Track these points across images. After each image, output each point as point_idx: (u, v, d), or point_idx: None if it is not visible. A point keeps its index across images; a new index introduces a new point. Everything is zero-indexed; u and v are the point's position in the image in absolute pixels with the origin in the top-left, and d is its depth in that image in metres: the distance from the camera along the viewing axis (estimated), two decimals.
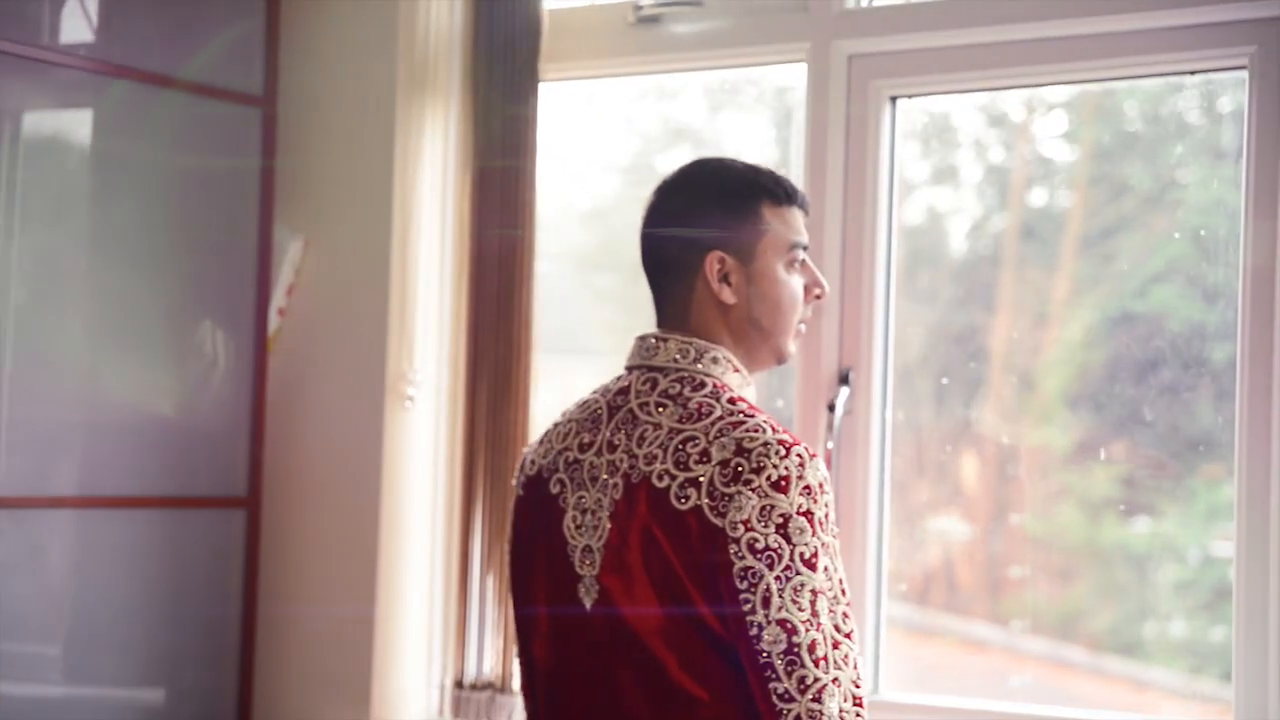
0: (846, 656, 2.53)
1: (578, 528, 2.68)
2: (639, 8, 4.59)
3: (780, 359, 2.80)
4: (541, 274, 4.64)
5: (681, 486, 2.56)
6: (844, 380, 4.28)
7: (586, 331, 5.13)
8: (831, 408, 4.26)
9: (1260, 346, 3.85)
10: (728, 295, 2.72)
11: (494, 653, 4.55)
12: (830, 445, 4.24)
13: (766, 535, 2.49)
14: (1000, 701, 4.27)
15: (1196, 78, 4.07)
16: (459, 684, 4.61)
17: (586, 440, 2.73)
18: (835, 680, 2.49)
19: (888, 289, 4.33)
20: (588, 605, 2.66)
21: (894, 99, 4.35)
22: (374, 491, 4.66)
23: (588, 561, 2.66)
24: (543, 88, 4.66)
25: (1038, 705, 4.22)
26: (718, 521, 2.51)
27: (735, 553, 2.49)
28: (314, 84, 4.87)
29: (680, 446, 2.59)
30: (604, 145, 5.12)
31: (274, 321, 4.85)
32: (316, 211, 4.86)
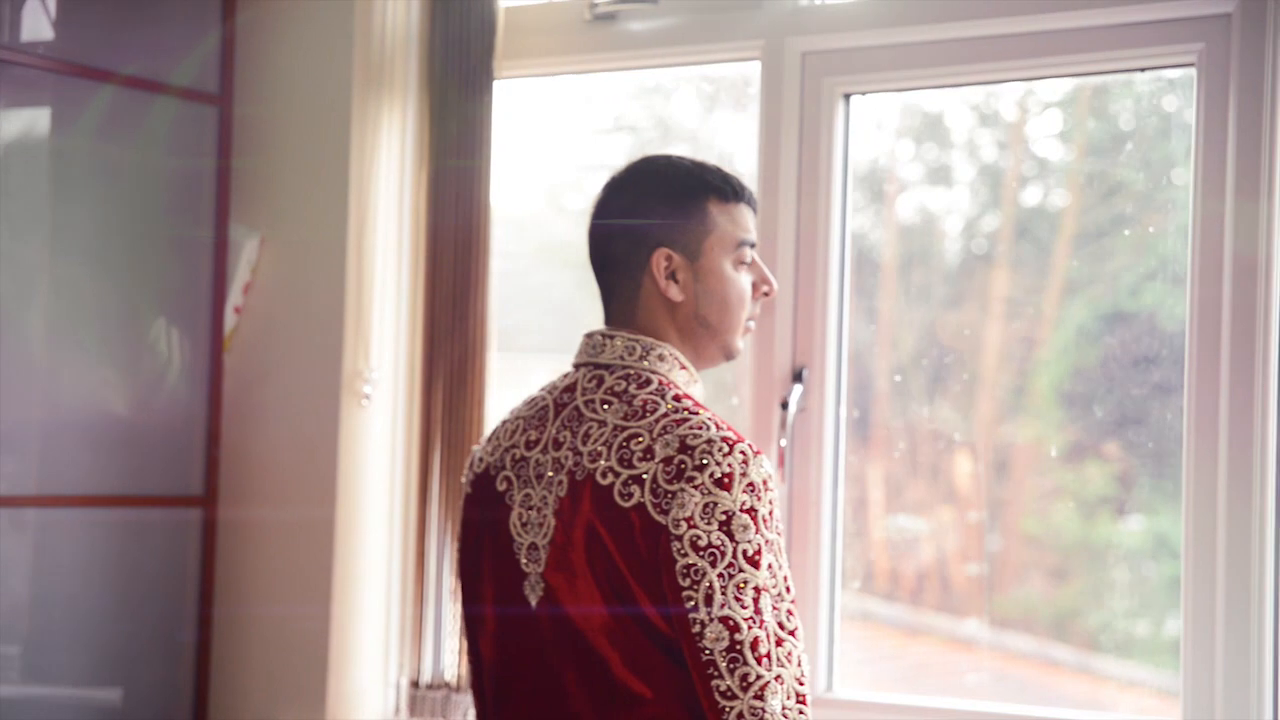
0: (790, 654, 2.52)
1: (524, 525, 2.68)
2: (594, 5, 4.58)
3: (728, 356, 2.81)
4: (526, 271, 4.63)
5: (625, 484, 2.56)
6: (797, 378, 4.28)
7: (581, 330, 5.12)
8: (785, 405, 4.26)
9: (1207, 342, 3.88)
10: (675, 292, 2.72)
11: (450, 651, 4.55)
12: (784, 442, 4.25)
13: (709, 532, 2.49)
14: (954, 698, 4.28)
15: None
16: (415, 683, 4.60)
17: (533, 437, 2.73)
18: (778, 678, 2.49)
19: (841, 286, 4.34)
20: (533, 603, 2.66)
21: (847, 96, 4.36)
22: (330, 490, 4.65)
23: (533, 559, 2.66)
24: (499, 85, 4.67)
25: (990, 702, 4.23)
26: (660, 519, 2.51)
27: (678, 550, 2.49)
28: (270, 82, 4.87)
29: (624, 444, 2.59)
30: (600, 144, 5.11)
31: (231, 320, 4.84)
32: (273, 210, 4.85)
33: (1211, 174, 3.87)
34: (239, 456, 4.83)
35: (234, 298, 4.83)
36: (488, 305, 4.55)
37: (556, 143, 5.06)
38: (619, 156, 4.95)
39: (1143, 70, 4.09)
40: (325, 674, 4.63)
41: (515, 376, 4.76)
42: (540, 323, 5.02)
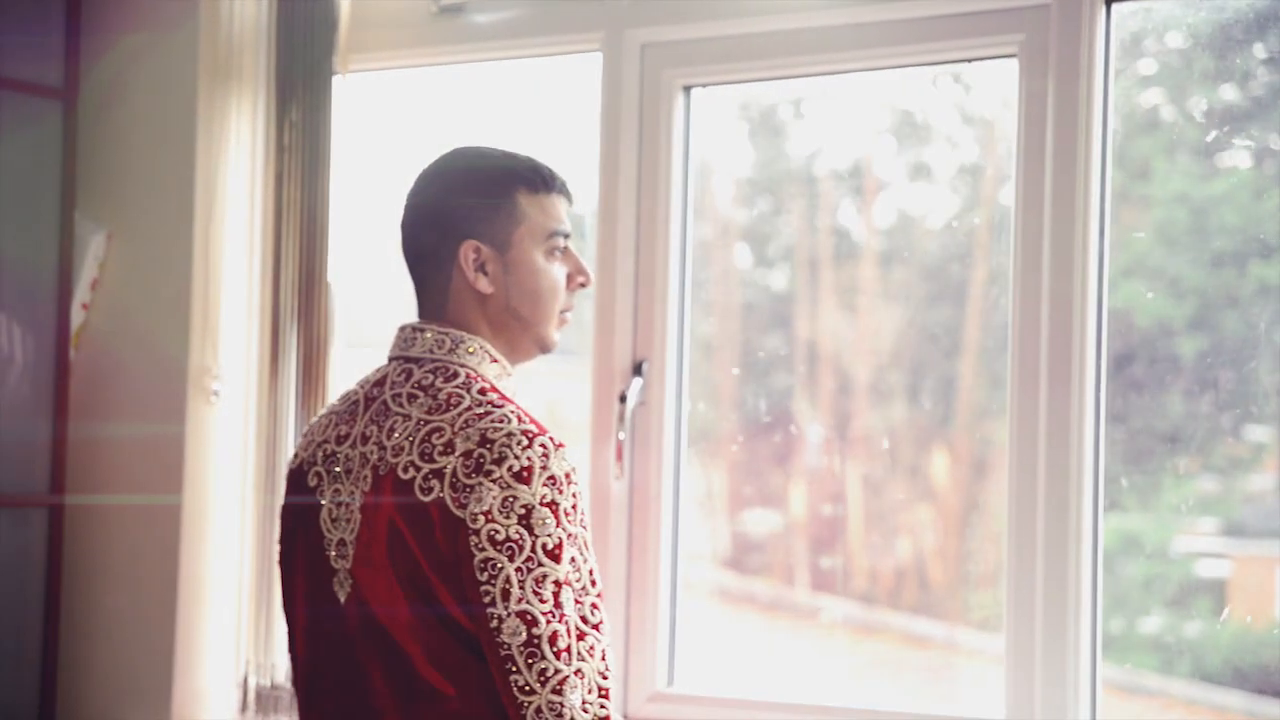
0: (593, 648, 2.51)
1: (333, 521, 2.67)
2: None
3: (544, 348, 2.79)
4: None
5: (426, 478, 2.54)
6: (637, 371, 4.27)
7: None
8: (623, 399, 4.24)
9: (1029, 331, 3.90)
10: (484, 285, 2.71)
11: None
12: (622, 436, 4.23)
13: (508, 526, 2.47)
14: (800, 694, 4.28)
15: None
16: (262, 682, 4.56)
17: (343, 432, 2.72)
18: (578, 672, 2.48)
19: (682, 279, 4.32)
20: (341, 599, 2.65)
21: (687, 89, 4.35)
22: (176, 488, 4.60)
23: (342, 555, 2.65)
24: (351, 79, 4.65)
25: (841, 698, 4.23)
26: (459, 513, 2.50)
27: (475, 544, 2.47)
28: (116, 76, 4.81)
29: (426, 438, 2.57)
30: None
31: (78, 317, 4.78)
32: (120, 205, 4.79)
33: (1032, 164, 3.90)
34: (86, 454, 4.77)
35: (81, 294, 4.78)
36: (329, 301, 4.52)
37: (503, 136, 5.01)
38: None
39: (969, 61, 4.12)
40: (171, 673, 4.59)
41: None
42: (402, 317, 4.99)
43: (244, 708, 4.61)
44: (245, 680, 4.61)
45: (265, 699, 4.55)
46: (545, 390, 4.65)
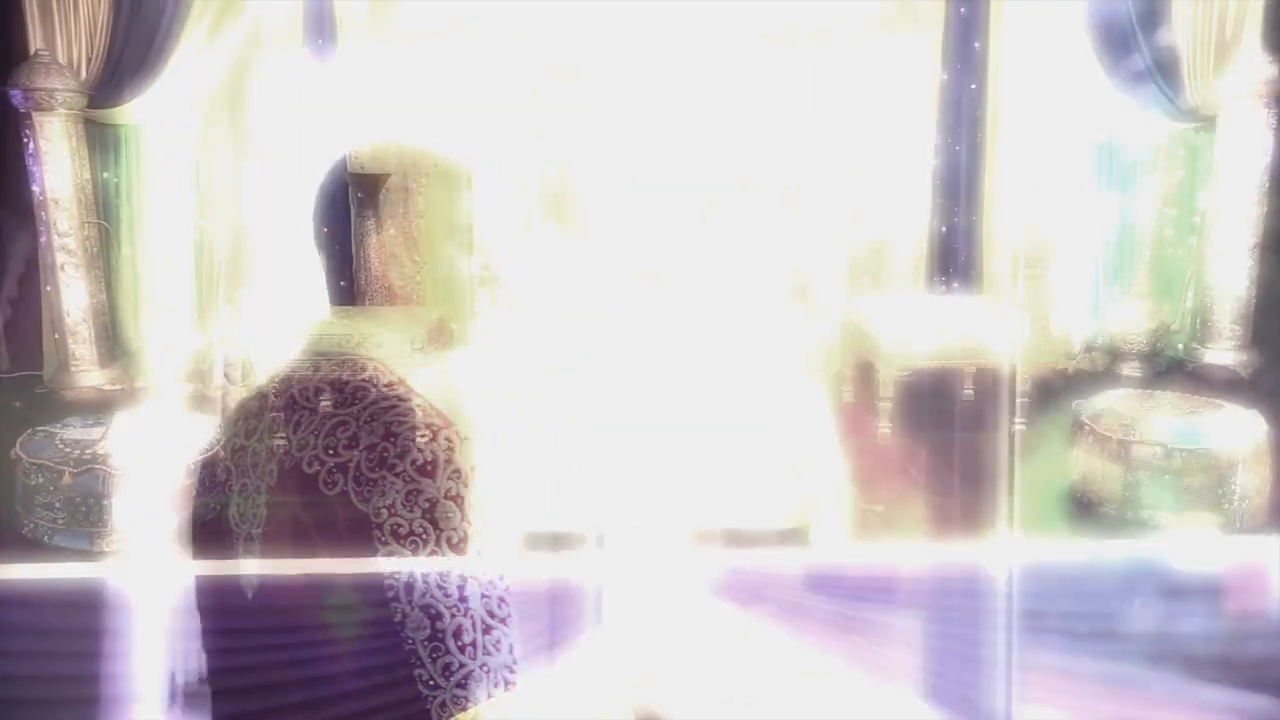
0: (499, 642, 2.49)
1: (241, 515, 2.65)
2: None
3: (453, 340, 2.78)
4: None
5: (330, 472, 2.52)
6: None
7: None
8: None
9: None
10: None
11: None
12: None
13: (411, 520, 2.45)
14: None
15: None
16: (187, 680, 4.54)
17: (252, 426, 2.69)
18: (484, 666, 2.46)
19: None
20: (249, 594, 2.62)
21: None
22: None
23: (250, 550, 2.62)
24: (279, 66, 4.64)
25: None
26: (363, 507, 2.48)
27: (379, 538, 2.46)
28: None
29: (332, 432, 2.56)
30: None
31: (4, 311, 4.78)
32: None
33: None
34: None
35: (8, 289, 4.76)
36: (254, 291, 4.51)
37: None
38: None
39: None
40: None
41: None
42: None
43: (170, 704, 4.58)
44: (172, 676, 4.58)
45: (190, 695, 4.52)
46: None
